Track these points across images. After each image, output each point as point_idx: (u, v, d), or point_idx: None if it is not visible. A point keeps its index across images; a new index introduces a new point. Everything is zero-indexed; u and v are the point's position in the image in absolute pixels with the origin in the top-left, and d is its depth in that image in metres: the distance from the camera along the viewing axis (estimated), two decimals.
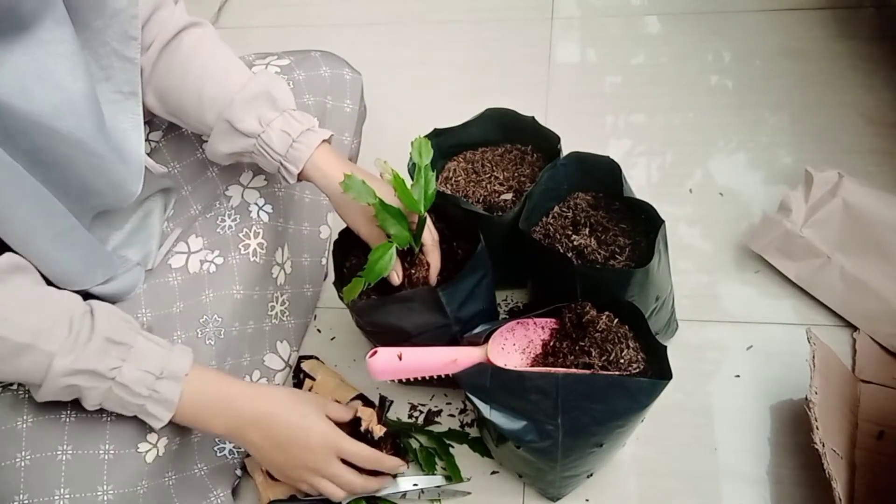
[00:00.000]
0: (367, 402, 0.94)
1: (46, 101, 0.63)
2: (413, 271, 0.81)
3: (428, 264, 0.81)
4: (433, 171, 0.78)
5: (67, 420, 0.72)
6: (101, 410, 0.71)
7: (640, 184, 1.13)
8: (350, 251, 0.89)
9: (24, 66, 0.62)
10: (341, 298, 0.80)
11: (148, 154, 0.90)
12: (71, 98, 0.65)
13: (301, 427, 0.75)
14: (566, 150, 0.89)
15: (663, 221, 0.80)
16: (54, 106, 0.64)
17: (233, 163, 0.86)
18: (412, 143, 0.78)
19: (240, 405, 0.73)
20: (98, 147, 0.69)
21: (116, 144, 0.73)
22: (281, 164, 0.80)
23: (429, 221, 0.80)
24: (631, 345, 0.75)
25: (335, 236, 0.89)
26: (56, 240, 0.68)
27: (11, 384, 0.72)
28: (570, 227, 0.87)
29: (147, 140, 0.90)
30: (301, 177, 0.81)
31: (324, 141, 0.81)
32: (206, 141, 0.84)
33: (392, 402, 0.93)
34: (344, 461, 0.77)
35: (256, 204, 0.92)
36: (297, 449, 0.75)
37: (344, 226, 0.85)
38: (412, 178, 0.88)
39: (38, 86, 0.62)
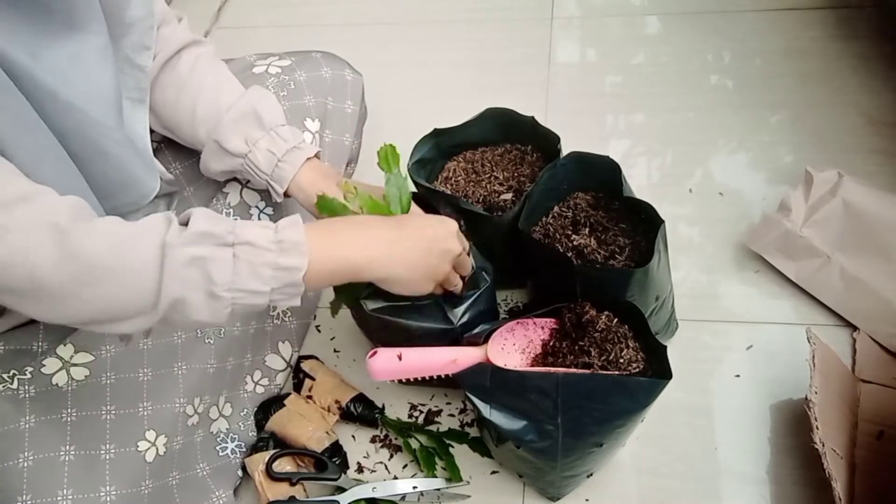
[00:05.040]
0: (367, 402, 0.94)
1: (81, 86, 0.66)
2: None
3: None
4: (425, 171, 0.77)
5: (69, 419, 0.72)
6: (100, 407, 0.71)
7: (640, 184, 1.13)
8: None
9: (62, 54, 0.65)
10: (338, 301, 0.80)
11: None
12: (100, 87, 0.68)
13: (431, 236, 0.72)
14: (566, 150, 0.89)
15: (663, 221, 0.80)
16: (87, 92, 0.67)
17: (229, 178, 0.89)
18: (377, 152, 0.75)
19: (366, 221, 0.71)
20: (123, 138, 0.72)
21: (133, 141, 0.75)
22: (268, 182, 0.82)
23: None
24: (631, 344, 0.75)
25: None
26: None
27: (12, 384, 0.72)
28: (570, 227, 0.87)
29: None
30: (287, 196, 0.83)
31: (309, 158, 0.82)
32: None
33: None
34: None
35: (257, 207, 0.92)
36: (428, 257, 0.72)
37: None
38: (413, 178, 0.89)
39: (74, 72, 0.66)
